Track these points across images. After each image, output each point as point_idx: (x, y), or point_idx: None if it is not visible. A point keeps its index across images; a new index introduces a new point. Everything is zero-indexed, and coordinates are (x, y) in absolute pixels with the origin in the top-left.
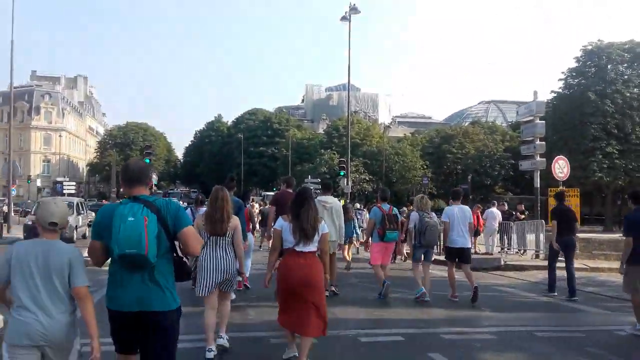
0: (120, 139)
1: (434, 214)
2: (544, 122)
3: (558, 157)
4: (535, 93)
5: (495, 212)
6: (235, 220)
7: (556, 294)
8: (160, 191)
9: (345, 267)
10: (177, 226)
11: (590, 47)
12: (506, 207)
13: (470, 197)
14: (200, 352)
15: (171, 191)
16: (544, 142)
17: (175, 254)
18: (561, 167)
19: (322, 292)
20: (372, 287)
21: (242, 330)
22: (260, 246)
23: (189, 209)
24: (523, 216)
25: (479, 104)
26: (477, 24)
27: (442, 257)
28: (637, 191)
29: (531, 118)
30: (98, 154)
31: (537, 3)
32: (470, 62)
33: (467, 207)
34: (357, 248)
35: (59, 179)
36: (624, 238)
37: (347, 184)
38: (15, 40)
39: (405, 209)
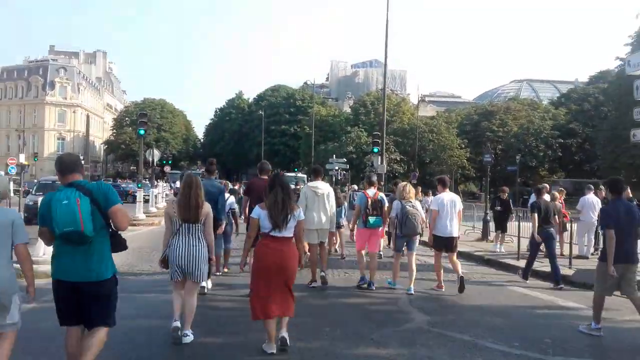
0: (136, 116)
1: (418, 202)
2: None
3: None
4: None
5: (592, 200)
6: (206, 208)
7: (562, 286)
8: (177, 171)
9: (339, 255)
10: (107, 204)
11: None
12: (604, 194)
13: (519, 180)
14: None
15: (192, 171)
16: None
17: (111, 229)
18: None
19: (293, 276)
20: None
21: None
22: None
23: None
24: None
25: (511, 82)
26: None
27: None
28: (617, 180)
29: None
30: (114, 131)
31: None
32: (499, 40)
33: (456, 196)
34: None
35: None
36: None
37: (382, 162)
38: (33, 12)
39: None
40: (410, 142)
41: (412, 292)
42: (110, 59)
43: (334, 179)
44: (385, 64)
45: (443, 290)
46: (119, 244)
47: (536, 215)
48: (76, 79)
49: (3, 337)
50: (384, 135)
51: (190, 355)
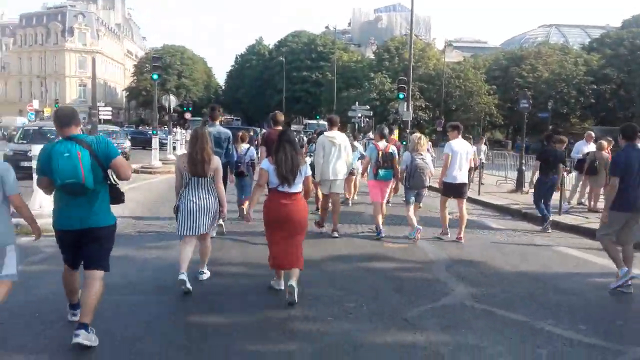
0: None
1: (428, 155)
2: None
3: None
4: None
5: None
6: (215, 162)
7: (550, 231)
8: (198, 118)
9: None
10: (107, 158)
11: None
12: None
13: (551, 127)
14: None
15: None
16: None
17: (109, 181)
18: None
19: (304, 230)
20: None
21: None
22: None
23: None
24: None
25: (539, 27)
26: None
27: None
28: (630, 126)
29: None
30: (135, 78)
31: None
32: None
33: (468, 143)
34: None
35: None
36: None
37: (408, 109)
38: None
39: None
40: (436, 89)
41: (415, 236)
42: (129, 5)
43: (356, 126)
44: (412, 5)
45: (448, 236)
46: (117, 196)
47: (539, 163)
48: (95, 25)
49: None
50: (410, 81)
51: (200, 306)
